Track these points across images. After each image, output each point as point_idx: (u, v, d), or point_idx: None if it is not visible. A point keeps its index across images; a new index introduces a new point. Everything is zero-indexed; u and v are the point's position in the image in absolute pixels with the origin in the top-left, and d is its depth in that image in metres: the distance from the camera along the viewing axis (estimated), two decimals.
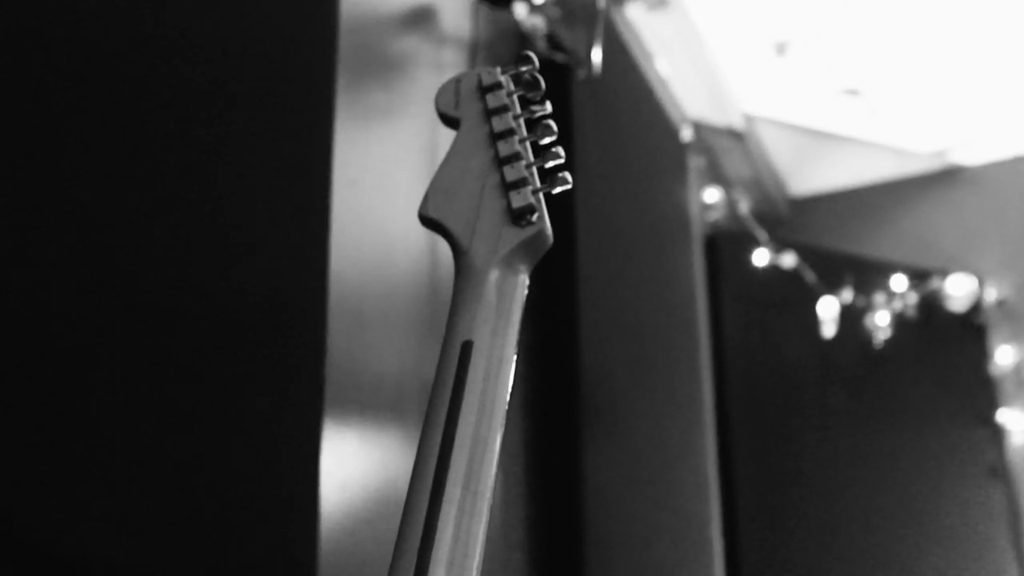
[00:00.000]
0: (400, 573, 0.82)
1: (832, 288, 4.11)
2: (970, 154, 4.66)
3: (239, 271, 1.75)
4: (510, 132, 1.02)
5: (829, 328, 4.03)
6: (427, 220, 1.00)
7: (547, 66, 2.49)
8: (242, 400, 1.69)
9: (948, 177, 4.73)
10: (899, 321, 4.21)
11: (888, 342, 4.16)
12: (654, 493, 3.03)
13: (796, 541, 3.84)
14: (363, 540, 1.70)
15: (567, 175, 1.00)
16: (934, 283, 4.36)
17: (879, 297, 4.21)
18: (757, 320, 4.05)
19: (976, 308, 4.42)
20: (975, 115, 4.40)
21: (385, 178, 1.92)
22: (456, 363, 0.91)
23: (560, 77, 2.60)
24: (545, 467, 2.56)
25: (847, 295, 4.14)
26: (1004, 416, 4.28)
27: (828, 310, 4.06)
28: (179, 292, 1.74)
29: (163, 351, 1.72)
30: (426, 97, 1.03)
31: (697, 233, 3.85)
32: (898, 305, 4.24)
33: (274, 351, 1.72)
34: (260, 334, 1.73)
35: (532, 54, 1.07)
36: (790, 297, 4.07)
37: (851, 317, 4.13)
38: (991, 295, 4.47)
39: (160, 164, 1.81)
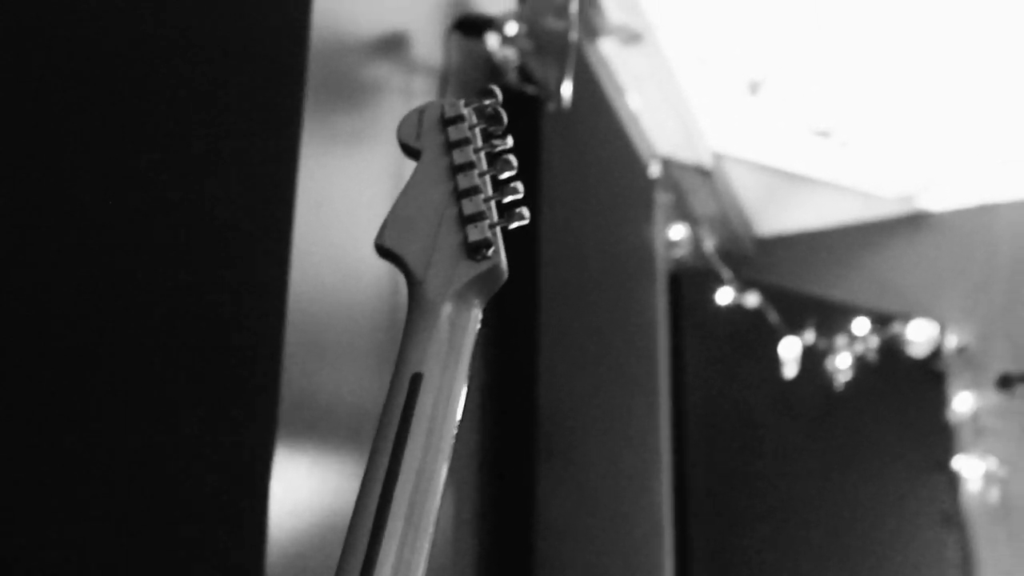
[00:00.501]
0: None
1: (795, 329, 4.12)
2: (937, 200, 4.70)
3: (196, 289, 1.74)
4: (470, 165, 1.02)
5: (790, 369, 4.05)
6: (383, 250, 1.00)
7: (517, 98, 2.50)
8: (194, 421, 1.68)
9: (914, 223, 4.77)
10: (860, 364, 4.23)
11: (848, 385, 4.18)
12: (607, 528, 3.02)
13: (754, 558, 3.84)
14: (312, 566, 1.69)
15: (524, 210, 1.00)
16: (896, 328, 4.38)
17: (841, 339, 4.23)
18: (718, 358, 4.06)
19: (936, 354, 4.45)
20: (943, 162, 4.44)
21: (351, 203, 1.92)
22: (405, 395, 0.91)
23: (530, 109, 2.61)
24: (498, 498, 2.55)
25: (809, 336, 4.15)
26: (960, 463, 4.31)
27: (790, 351, 4.07)
28: (136, 310, 1.73)
29: (118, 368, 1.71)
30: (395, 124, 1.03)
31: (661, 269, 3.86)
32: (859, 348, 4.26)
33: (229, 372, 1.71)
34: (216, 354, 1.72)
35: (496, 88, 1.07)
36: (752, 336, 4.08)
37: (812, 358, 4.14)
38: (952, 342, 4.50)
39: (121, 182, 1.80)
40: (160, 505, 1.62)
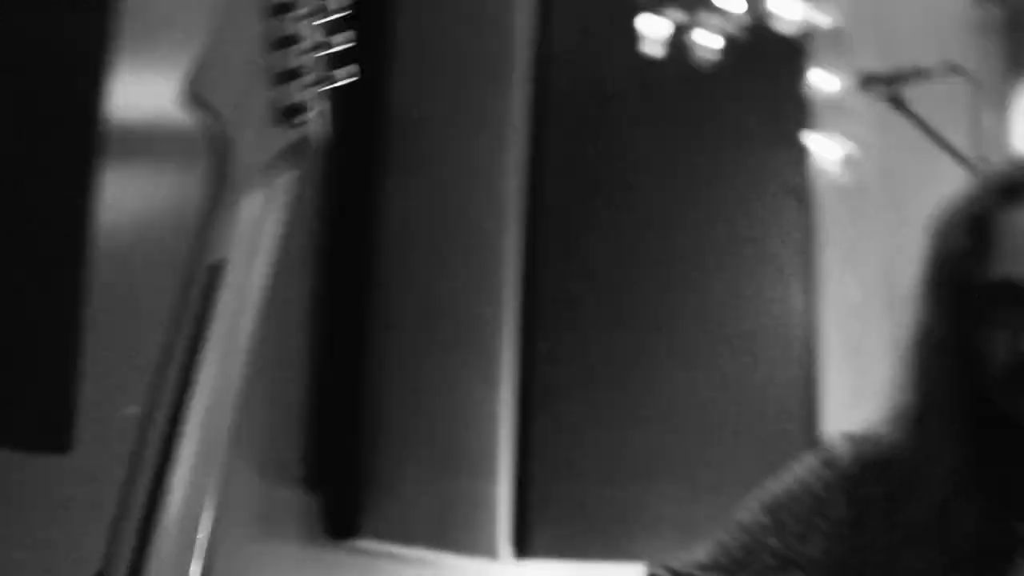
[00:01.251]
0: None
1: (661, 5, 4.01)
2: None
3: None
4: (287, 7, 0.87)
5: (655, 47, 3.96)
6: (194, 97, 0.87)
7: None
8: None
9: None
10: (725, 40, 4.16)
11: (712, 61, 4.12)
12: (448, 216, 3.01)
13: (601, 237, 3.88)
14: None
15: (353, 67, 0.88)
16: (765, 3, 4.30)
17: (707, 15, 4.13)
18: (584, 30, 3.96)
19: (803, 32, 4.39)
20: None
21: None
22: (203, 288, 0.81)
23: None
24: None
25: (676, 13, 4.04)
26: (811, 139, 4.31)
27: (654, 27, 3.98)
28: None
29: None
30: None
31: None
32: (726, 24, 4.18)
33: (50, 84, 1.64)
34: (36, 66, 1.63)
35: None
36: (622, 13, 3.97)
37: (678, 38, 4.05)
38: (821, 20, 4.44)
39: None
40: None
